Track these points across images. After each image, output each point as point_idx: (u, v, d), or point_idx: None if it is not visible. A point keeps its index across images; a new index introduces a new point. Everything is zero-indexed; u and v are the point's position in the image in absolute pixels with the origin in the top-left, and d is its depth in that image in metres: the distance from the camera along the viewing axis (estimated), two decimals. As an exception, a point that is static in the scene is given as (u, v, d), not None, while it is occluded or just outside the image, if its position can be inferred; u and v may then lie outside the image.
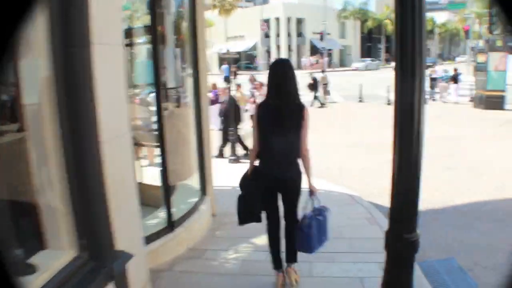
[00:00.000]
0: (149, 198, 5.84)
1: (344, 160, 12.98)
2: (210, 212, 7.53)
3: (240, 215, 4.81)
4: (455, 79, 27.68)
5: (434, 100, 27.08)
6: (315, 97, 26.38)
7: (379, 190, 9.87)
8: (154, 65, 5.47)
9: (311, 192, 4.69)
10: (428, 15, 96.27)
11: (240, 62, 66.78)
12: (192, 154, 7.24)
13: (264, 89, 12.79)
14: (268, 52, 73.25)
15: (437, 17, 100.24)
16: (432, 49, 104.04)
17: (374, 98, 28.66)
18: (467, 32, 51.40)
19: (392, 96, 3.35)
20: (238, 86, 18.16)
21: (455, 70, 28.49)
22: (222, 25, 67.00)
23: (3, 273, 1.01)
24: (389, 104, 25.03)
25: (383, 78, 47.75)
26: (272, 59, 65.11)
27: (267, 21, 70.41)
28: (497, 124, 18.14)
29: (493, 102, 23.02)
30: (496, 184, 10.11)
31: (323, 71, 31.83)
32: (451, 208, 8.59)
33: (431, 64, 65.38)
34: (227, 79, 41.48)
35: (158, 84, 5.66)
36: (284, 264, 4.99)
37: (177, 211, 6.25)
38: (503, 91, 23.45)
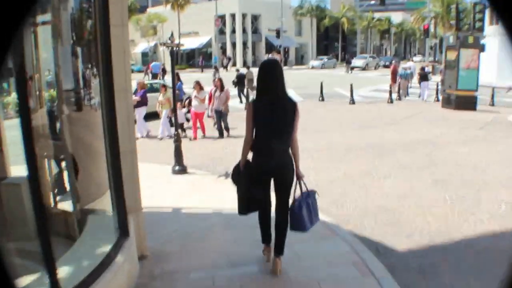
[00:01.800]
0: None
1: (308, 170, 10.93)
2: (135, 258, 5.32)
3: (240, 205, 5.29)
4: (424, 76, 26.35)
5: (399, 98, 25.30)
6: (240, 93, 24.94)
7: (360, 212, 7.91)
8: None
9: (299, 177, 5.37)
10: (385, 15, 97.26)
11: (194, 59, 64.53)
12: (101, 170, 5.06)
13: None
14: (223, 48, 71.17)
15: (393, 18, 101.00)
16: (387, 48, 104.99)
17: (335, 96, 27.09)
18: (426, 31, 50.33)
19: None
20: (163, 87, 16.24)
21: (422, 68, 27.31)
22: (175, 21, 64.34)
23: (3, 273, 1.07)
24: (353, 103, 23.29)
25: (341, 76, 46.69)
26: (227, 56, 64.46)
27: (222, 17, 68.14)
28: (477, 127, 16.46)
29: (464, 103, 21.44)
30: (504, 204, 8.20)
31: (248, 67, 29.97)
32: (461, 243, 6.57)
33: (389, 62, 65.51)
34: (155, 77, 40.62)
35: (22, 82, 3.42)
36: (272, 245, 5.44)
37: (71, 274, 3.94)
38: (475, 90, 21.94)
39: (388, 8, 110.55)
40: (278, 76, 5.02)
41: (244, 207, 5.27)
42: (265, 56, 64.53)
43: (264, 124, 4.99)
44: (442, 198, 8.58)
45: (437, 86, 25.65)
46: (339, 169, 10.84)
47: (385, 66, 63.26)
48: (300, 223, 5.17)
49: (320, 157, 12.08)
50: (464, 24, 24.74)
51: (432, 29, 59.46)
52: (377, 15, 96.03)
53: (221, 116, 15.15)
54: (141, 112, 15.42)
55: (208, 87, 16.10)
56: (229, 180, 5.83)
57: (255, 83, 8.16)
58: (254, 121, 4.98)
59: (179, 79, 18.84)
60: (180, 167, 11.03)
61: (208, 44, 71.87)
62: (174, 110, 11.49)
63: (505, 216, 7.63)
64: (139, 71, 53.82)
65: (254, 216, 5.46)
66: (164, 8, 68.74)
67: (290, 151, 5.18)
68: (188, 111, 15.79)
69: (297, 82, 35.59)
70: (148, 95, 19.46)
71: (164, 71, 44.33)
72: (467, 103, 21.50)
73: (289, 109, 5.03)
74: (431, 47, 53.86)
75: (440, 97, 24.10)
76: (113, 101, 4.99)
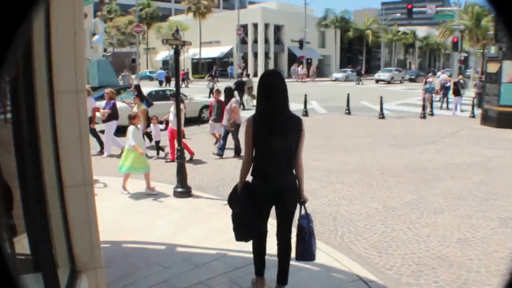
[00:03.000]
0: None
1: (339, 199, 8.99)
2: None
3: (237, 232, 4.80)
4: (457, 91, 25.22)
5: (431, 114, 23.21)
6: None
7: (412, 264, 5.89)
8: None
9: (303, 202, 4.77)
10: (409, 29, 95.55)
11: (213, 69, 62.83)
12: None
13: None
14: (244, 58, 69.56)
15: (418, 32, 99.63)
16: (412, 62, 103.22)
17: (362, 110, 25.06)
18: (455, 44, 47.96)
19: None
20: (137, 97, 13.94)
21: (455, 83, 26.01)
22: (197, 29, 62.98)
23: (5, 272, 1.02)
24: (382, 117, 21.25)
25: (367, 89, 44.65)
26: (250, 66, 63.10)
27: (244, 27, 66.46)
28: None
29: (507, 120, 19.21)
30: None
31: (248, 75, 31.69)
32: None
33: (414, 76, 63.46)
34: (160, 84, 41.20)
35: None
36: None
37: None
38: (518, 106, 19.77)
39: (412, 22, 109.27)
40: (280, 89, 4.52)
41: (242, 235, 4.84)
42: (297, 68, 63.01)
43: (263, 144, 4.51)
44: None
45: (473, 101, 24.00)
46: (376, 199, 8.84)
47: (411, 80, 61.57)
48: (309, 252, 4.78)
49: (351, 182, 10.09)
50: (502, 36, 22.57)
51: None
52: (401, 29, 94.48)
53: (227, 133, 13.11)
54: (111, 126, 13.47)
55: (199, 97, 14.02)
56: None
57: (254, 92, 6.69)
58: (253, 139, 4.51)
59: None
60: (183, 189, 9.19)
61: (230, 54, 70.25)
62: (178, 121, 9.57)
63: None
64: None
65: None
66: (186, 16, 67.53)
67: (294, 173, 4.69)
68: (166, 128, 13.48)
69: (320, 94, 33.79)
70: (159, 103, 17.99)
71: (168, 79, 45.60)
72: (510, 120, 19.35)
73: (292, 127, 4.53)
74: (460, 60, 51.36)
75: (476, 113, 22.32)
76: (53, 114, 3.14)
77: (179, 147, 9.42)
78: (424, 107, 22.56)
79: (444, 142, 15.23)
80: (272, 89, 4.50)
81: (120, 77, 34.26)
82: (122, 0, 74.39)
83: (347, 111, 23.06)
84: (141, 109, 12.99)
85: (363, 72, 60.78)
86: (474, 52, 64.35)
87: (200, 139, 16.17)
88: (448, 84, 27.57)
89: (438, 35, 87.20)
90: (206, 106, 21.27)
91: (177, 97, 9.67)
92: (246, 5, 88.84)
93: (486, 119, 20.15)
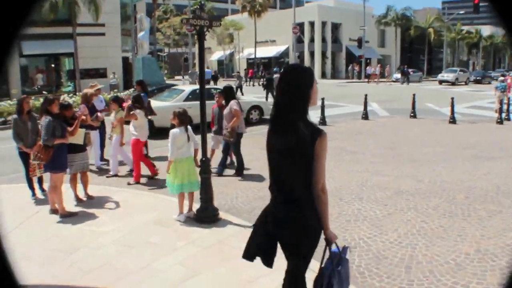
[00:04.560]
0: None
1: (414, 236, 6.75)
2: None
3: (246, 247, 3.79)
4: None
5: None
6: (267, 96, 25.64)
7: None
8: None
9: (328, 241, 3.50)
10: (473, 27, 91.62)
11: (257, 69, 60.69)
12: None
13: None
14: (300, 58, 67.28)
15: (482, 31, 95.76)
16: (475, 63, 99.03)
17: (428, 112, 22.35)
18: (527, 42, 44.31)
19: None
20: (114, 102, 11.03)
21: None
22: (252, 29, 61.25)
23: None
24: (453, 122, 18.62)
25: (430, 90, 41.61)
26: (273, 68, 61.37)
27: (300, 25, 64.10)
28: None
29: None
30: None
31: (277, 73, 32.27)
32: None
33: (480, 77, 59.68)
34: (207, 82, 40.04)
35: None
36: None
37: None
38: None
39: (475, 22, 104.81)
40: (289, 89, 3.34)
41: (248, 252, 3.75)
42: (344, 67, 60.67)
43: (269, 160, 3.55)
44: None
45: None
46: (465, 238, 6.46)
47: (476, 82, 57.92)
48: None
49: (428, 209, 7.74)
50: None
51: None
52: (463, 28, 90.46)
53: (227, 145, 10.63)
54: (96, 136, 11.08)
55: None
56: None
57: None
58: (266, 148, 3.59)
59: (144, 89, 12.88)
60: (206, 213, 7.13)
61: (285, 53, 68.10)
62: (201, 129, 7.48)
63: None
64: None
65: None
66: (241, 15, 65.95)
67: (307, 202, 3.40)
68: None
69: (381, 95, 31.18)
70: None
71: (215, 78, 43.99)
72: None
73: (298, 142, 3.25)
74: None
75: None
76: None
77: (203, 158, 7.34)
78: (500, 111, 19.80)
79: None
80: (281, 88, 3.43)
81: (187, 76, 33.21)
82: (179, 0, 73.84)
83: (412, 114, 20.49)
84: (117, 117, 10.60)
85: (410, 71, 57.51)
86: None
87: (242, 144, 14.09)
88: None
89: (503, 34, 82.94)
90: (255, 107, 19.33)
91: (202, 97, 7.54)
92: (303, 3, 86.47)
93: None
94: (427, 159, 11.80)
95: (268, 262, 3.71)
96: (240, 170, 10.36)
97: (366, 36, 62.99)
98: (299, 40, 65.24)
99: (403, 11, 73.96)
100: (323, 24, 66.22)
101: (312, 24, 66.21)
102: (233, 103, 10.19)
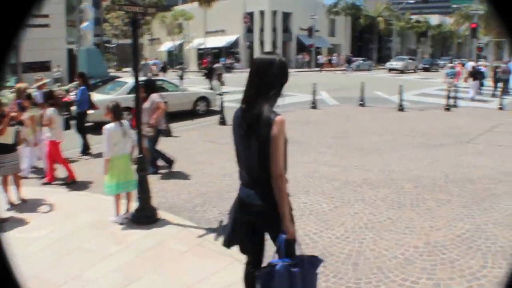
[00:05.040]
0: None
1: (362, 229, 6.49)
2: None
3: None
4: (474, 75, 25.29)
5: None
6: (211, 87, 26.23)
7: None
8: None
9: (283, 233, 3.24)
10: (422, 17, 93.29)
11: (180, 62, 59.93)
12: None
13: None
14: (250, 48, 66.90)
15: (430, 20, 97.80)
16: (423, 52, 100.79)
17: (377, 101, 22.36)
18: (474, 30, 45.14)
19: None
20: (27, 100, 9.99)
21: (473, 67, 26.99)
22: (202, 19, 60.38)
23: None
24: (402, 109, 18.62)
25: (379, 78, 41.83)
26: (235, 56, 60.82)
27: (251, 14, 63.64)
28: None
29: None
30: None
31: (218, 62, 33.60)
32: None
33: (428, 65, 60.60)
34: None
35: None
36: None
37: None
38: None
39: (423, 11, 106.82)
40: (257, 80, 3.39)
41: (226, 239, 3.71)
42: (294, 57, 60.74)
43: (235, 141, 3.57)
44: None
45: (501, 90, 22.89)
46: (414, 230, 6.21)
47: (425, 69, 58.86)
48: None
49: (376, 200, 7.48)
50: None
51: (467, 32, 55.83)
52: (412, 17, 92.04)
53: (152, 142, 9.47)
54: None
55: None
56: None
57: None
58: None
59: (85, 82, 12.17)
60: (144, 213, 6.66)
61: (236, 43, 67.52)
62: (137, 125, 6.97)
63: None
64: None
65: None
66: (191, 5, 64.94)
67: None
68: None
69: (330, 84, 31.09)
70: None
71: (164, 69, 43.42)
72: None
73: (258, 129, 3.27)
74: (478, 47, 48.52)
75: (505, 103, 20.50)
76: None
77: (140, 155, 6.86)
78: (448, 97, 19.92)
79: (483, 141, 12.52)
80: (249, 79, 3.47)
81: (140, 65, 32.40)
82: (126, -11, 71.76)
83: (361, 103, 20.40)
84: (30, 115, 9.52)
85: (360, 60, 58.57)
86: (489, 42, 62.09)
87: (188, 136, 13.62)
88: (483, 69, 27.95)
89: (451, 23, 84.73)
90: (203, 98, 18.85)
91: (137, 91, 7.03)
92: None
93: (523, 111, 17.56)
94: (376, 148, 11.61)
95: (250, 251, 3.75)
96: (168, 163, 9.70)
97: (317, 26, 63.08)
98: (250, 30, 64.77)
99: (353, 1, 74.51)
100: (274, 13, 65.87)
101: (262, 13, 65.75)
102: (155, 96, 9.46)
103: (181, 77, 31.91)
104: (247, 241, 3.66)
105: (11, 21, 1.23)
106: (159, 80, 19.56)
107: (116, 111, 6.97)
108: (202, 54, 65.34)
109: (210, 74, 28.47)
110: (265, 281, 3.24)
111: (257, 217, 3.45)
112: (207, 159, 10.54)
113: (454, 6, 66.10)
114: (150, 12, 6.96)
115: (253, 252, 3.73)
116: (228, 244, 3.72)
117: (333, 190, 8.01)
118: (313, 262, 3.42)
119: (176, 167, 9.78)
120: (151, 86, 9.86)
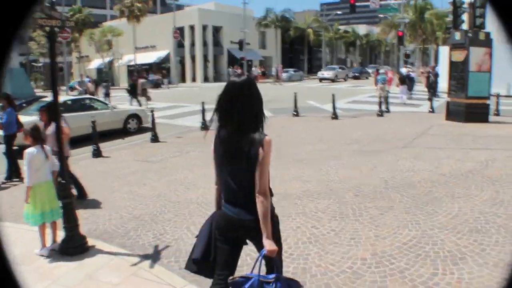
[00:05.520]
0: None
1: (306, 244, 6.18)
2: None
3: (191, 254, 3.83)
4: (404, 80, 27.19)
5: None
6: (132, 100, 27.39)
7: None
8: None
9: (269, 252, 3.29)
10: (350, 27, 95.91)
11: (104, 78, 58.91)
12: None
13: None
14: (182, 63, 66.29)
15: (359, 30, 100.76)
16: (352, 61, 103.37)
17: (310, 110, 22.44)
18: (400, 38, 46.44)
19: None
20: None
21: (400, 73, 29.58)
22: (131, 35, 59.30)
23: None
24: (335, 117, 18.66)
25: (311, 88, 42.16)
26: (187, 71, 60.29)
27: (181, 29, 63.07)
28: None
29: (476, 114, 17.10)
30: None
31: (142, 77, 33.13)
32: None
33: (358, 74, 61.95)
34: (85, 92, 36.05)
35: None
36: None
37: None
38: (487, 98, 17.67)
39: (351, 21, 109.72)
40: (242, 102, 3.49)
41: (191, 258, 3.77)
42: (226, 70, 60.56)
43: (218, 166, 3.58)
44: None
45: (431, 95, 23.32)
46: (359, 241, 5.94)
47: (355, 78, 60.13)
48: None
49: (318, 212, 7.18)
50: (461, 22, 20.33)
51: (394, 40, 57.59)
52: (341, 27, 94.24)
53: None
54: None
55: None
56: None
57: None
58: (214, 158, 3.62)
59: (11, 103, 11.47)
60: (72, 242, 6.11)
61: (167, 59, 66.76)
62: (58, 142, 6.40)
63: None
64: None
65: None
66: (120, 21, 63.71)
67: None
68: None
69: (264, 96, 30.87)
70: (75, 114, 14.96)
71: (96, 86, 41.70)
72: (479, 113, 17.22)
73: (249, 149, 3.37)
74: (406, 54, 50.07)
75: (435, 106, 21.11)
76: None
77: (63, 181, 6.29)
78: (380, 104, 20.19)
79: (419, 145, 12.59)
80: (229, 102, 3.54)
81: (77, 83, 31.43)
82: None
83: (294, 113, 20.32)
84: None
85: (292, 71, 59.65)
86: (416, 49, 64.36)
87: (118, 156, 13.02)
88: (412, 75, 30.12)
89: (378, 32, 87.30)
90: (133, 115, 18.24)
91: (56, 111, 6.46)
92: (183, 7, 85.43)
93: (452, 113, 17.90)
94: (313, 158, 11.40)
95: (231, 266, 3.70)
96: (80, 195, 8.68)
97: (247, 39, 63.10)
98: (180, 45, 64.30)
99: (283, 13, 75.28)
100: (204, 27, 65.67)
101: (192, 28, 65.46)
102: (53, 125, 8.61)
103: (108, 95, 30.95)
104: (227, 255, 3.64)
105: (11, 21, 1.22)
106: (87, 98, 18.84)
107: (35, 134, 6.37)
108: (132, 71, 64.22)
109: (133, 90, 28.44)
110: None
111: (246, 232, 3.52)
112: (139, 180, 10.00)
113: (381, 15, 68.11)
114: (68, 25, 6.44)
115: (231, 267, 3.68)
116: (193, 263, 3.76)
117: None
118: (291, 285, 3.44)
119: (106, 189, 9.22)
120: (53, 110, 9.15)
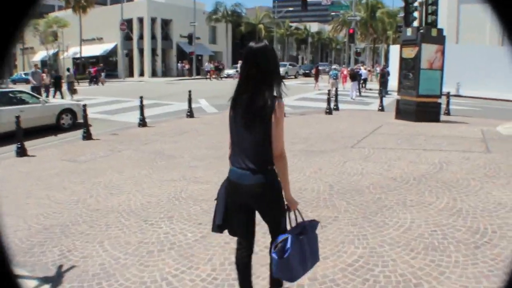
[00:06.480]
0: None
1: (234, 270, 5.19)
2: None
3: (214, 220, 3.87)
4: (353, 77, 28.67)
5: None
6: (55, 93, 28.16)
7: None
8: None
9: (287, 207, 3.62)
10: (302, 24, 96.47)
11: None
12: None
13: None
14: (128, 56, 64.50)
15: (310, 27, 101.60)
16: (304, 58, 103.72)
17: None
18: (351, 35, 46.20)
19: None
20: None
21: (351, 69, 30.78)
22: (77, 26, 57.17)
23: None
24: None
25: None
26: (135, 64, 58.69)
27: (129, 22, 61.21)
28: (478, 147, 11.37)
29: (427, 112, 16.63)
30: None
31: (68, 69, 32.93)
32: None
33: (308, 71, 61.75)
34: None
35: None
36: None
37: None
38: (438, 97, 17.19)
39: (303, 19, 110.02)
40: (262, 66, 3.46)
41: (216, 224, 3.82)
42: (175, 65, 59.41)
43: (233, 126, 3.65)
44: None
45: (381, 93, 22.94)
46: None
47: (305, 75, 59.91)
48: (285, 270, 3.48)
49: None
50: (413, 19, 19.82)
51: (345, 39, 57.92)
52: (292, 25, 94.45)
53: None
54: None
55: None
56: None
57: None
58: (229, 121, 3.70)
59: None
60: None
61: (114, 52, 64.79)
62: None
63: None
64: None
65: None
66: (65, 12, 61.45)
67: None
68: None
69: (211, 91, 30.02)
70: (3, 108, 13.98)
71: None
72: (430, 112, 16.79)
73: (264, 114, 3.39)
74: (356, 52, 50.03)
75: (384, 105, 20.70)
76: None
77: None
78: (329, 101, 19.43)
79: (368, 144, 11.79)
80: (251, 66, 3.47)
81: (29, 76, 30.00)
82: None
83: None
84: None
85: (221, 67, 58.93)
86: (367, 48, 64.76)
87: (44, 155, 11.76)
88: (361, 72, 32.05)
89: (330, 30, 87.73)
90: (67, 110, 16.91)
91: None
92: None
93: (402, 112, 17.33)
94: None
95: (242, 234, 3.81)
96: None
97: (197, 33, 62.15)
98: (128, 37, 62.58)
99: (233, 8, 74.40)
100: (153, 20, 64.23)
101: (141, 20, 63.92)
102: None
103: (70, 88, 29.68)
104: (240, 224, 3.73)
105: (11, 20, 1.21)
106: (16, 91, 17.42)
107: None
108: (78, 63, 62.02)
109: (56, 83, 28.47)
110: (281, 255, 3.39)
111: (251, 198, 3.53)
112: (60, 183, 8.81)
113: (333, 13, 68.15)
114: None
115: (246, 235, 3.79)
116: (218, 228, 3.80)
117: (202, 213, 6.64)
118: (313, 225, 3.80)
119: (22, 194, 8.04)
120: None
